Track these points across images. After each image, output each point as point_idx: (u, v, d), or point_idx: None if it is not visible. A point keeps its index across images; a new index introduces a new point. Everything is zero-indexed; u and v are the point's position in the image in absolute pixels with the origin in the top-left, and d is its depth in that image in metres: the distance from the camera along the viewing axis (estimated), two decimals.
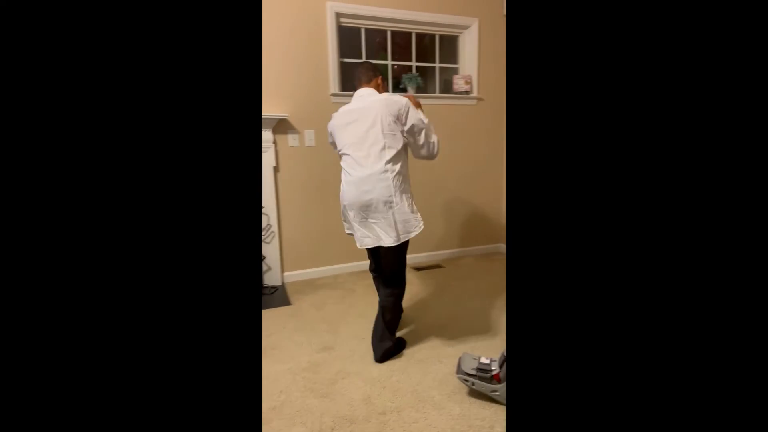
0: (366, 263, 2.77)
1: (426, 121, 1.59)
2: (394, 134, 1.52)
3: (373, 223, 1.54)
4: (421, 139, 1.58)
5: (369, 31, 2.65)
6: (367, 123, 1.53)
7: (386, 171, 1.49)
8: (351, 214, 1.59)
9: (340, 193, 1.64)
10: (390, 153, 1.50)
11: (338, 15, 2.46)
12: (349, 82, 2.68)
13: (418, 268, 2.78)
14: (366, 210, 1.54)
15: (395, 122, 1.51)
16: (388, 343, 1.64)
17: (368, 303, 2.21)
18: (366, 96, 1.60)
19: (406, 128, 1.53)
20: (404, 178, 1.56)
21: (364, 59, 2.63)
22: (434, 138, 1.62)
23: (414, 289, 2.40)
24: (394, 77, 2.80)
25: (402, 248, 1.61)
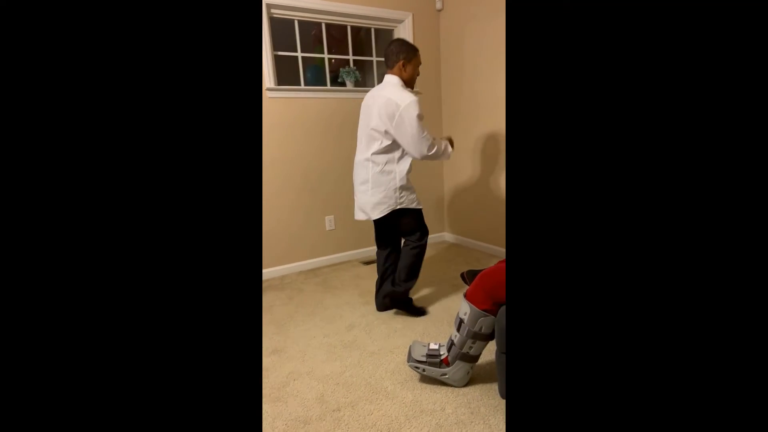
0: (313, 261, 2.74)
1: (424, 136, 1.66)
2: (387, 131, 1.69)
3: (362, 201, 1.85)
4: (405, 141, 1.68)
5: (304, 24, 2.58)
6: (369, 114, 1.74)
7: (368, 161, 1.76)
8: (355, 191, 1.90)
9: None
10: (376, 146, 1.72)
11: (269, 6, 2.36)
12: (284, 75, 2.60)
13: (366, 262, 2.80)
14: (356, 190, 1.87)
15: (389, 120, 1.66)
16: (387, 298, 1.93)
17: (317, 301, 2.18)
18: (383, 85, 1.75)
19: (391, 128, 1.67)
20: (387, 171, 1.75)
21: (299, 52, 2.56)
22: (431, 150, 1.69)
23: (364, 282, 2.41)
24: (331, 71, 2.76)
25: (395, 220, 1.83)
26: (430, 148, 1.69)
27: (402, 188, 1.76)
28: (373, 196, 1.77)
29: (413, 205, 1.80)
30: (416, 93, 2.92)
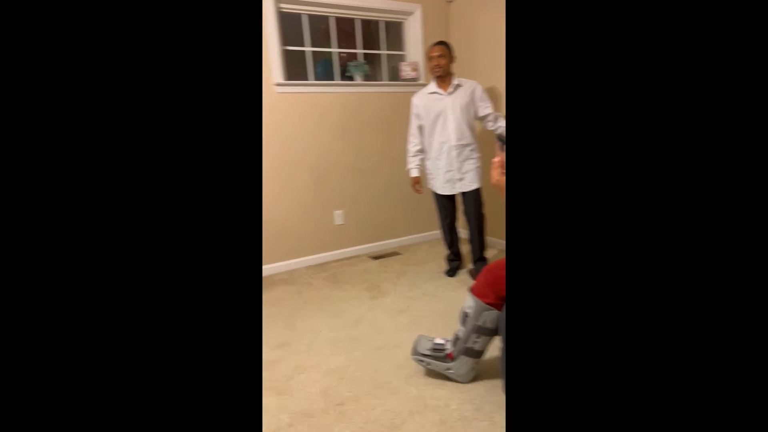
0: (322, 256, 2.75)
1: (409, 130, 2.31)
2: None
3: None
4: None
5: (313, 18, 2.57)
6: None
7: None
8: None
9: None
10: None
11: (277, 0, 2.36)
12: (294, 70, 2.60)
13: (376, 257, 2.79)
14: None
15: None
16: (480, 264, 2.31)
17: (325, 296, 2.19)
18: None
19: None
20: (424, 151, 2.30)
21: (307, 47, 2.56)
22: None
23: (373, 277, 2.41)
24: (341, 65, 2.75)
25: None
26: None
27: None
28: None
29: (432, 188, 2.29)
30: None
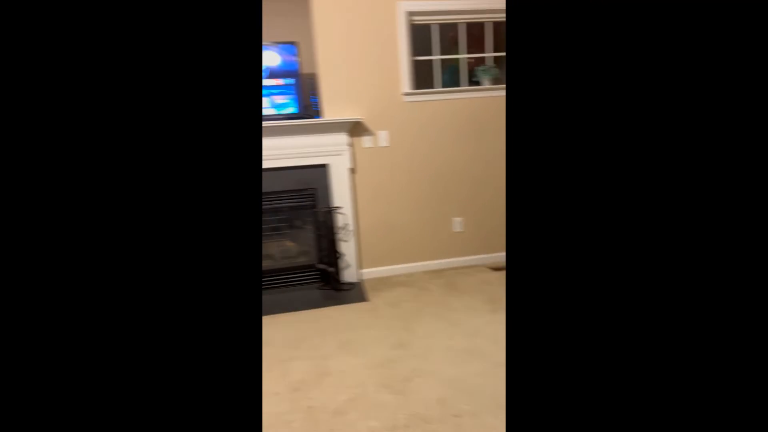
0: (439, 262, 2.74)
1: None
2: None
3: None
4: None
5: (442, 26, 2.61)
6: None
7: None
8: None
9: None
10: None
11: (409, 14, 2.46)
12: (422, 79, 2.66)
13: (495, 268, 2.66)
14: None
15: None
16: None
17: (441, 303, 2.17)
18: None
19: None
20: None
21: (436, 55, 2.60)
22: None
23: (492, 289, 2.30)
24: (469, 70, 2.72)
25: None
26: None
27: None
28: None
29: None
30: None
